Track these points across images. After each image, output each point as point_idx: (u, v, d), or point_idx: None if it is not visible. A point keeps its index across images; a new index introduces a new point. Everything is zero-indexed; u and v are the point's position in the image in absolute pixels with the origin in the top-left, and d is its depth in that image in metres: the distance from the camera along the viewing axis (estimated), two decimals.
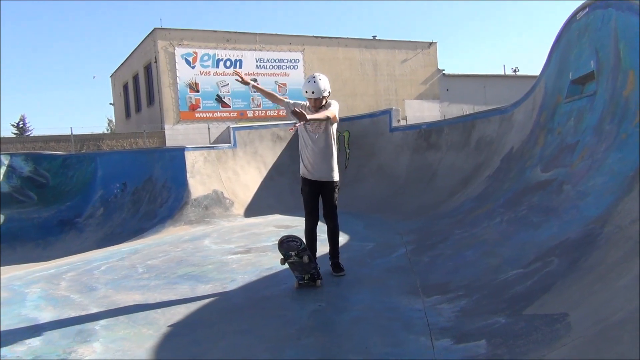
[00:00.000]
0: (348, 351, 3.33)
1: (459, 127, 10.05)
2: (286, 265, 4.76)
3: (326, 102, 5.05)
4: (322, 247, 5.35)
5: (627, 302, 2.61)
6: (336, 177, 5.13)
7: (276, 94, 5.31)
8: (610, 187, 3.95)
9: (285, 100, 5.19)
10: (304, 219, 5.22)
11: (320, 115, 4.82)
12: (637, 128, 3.98)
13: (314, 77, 4.98)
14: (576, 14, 6.00)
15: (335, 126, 5.14)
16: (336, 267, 5.22)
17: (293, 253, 4.57)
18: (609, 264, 3.12)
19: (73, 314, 4.52)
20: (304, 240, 4.78)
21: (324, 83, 4.95)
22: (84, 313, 4.53)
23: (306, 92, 4.96)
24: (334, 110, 4.95)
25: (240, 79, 5.20)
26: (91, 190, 12.78)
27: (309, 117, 4.57)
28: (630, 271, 2.85)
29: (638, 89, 4.15)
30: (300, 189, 5.19)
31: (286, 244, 4.59)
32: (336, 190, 5.13)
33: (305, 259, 4.57)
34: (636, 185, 3.55)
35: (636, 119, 4.04)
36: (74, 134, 23.76)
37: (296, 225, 8.65)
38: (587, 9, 5.68)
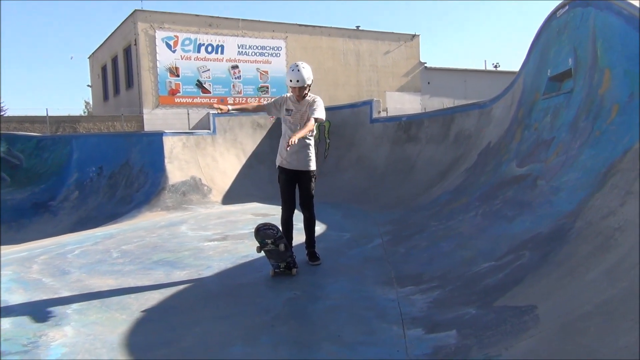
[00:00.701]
0: (321, 339, 3.35)
1: (439, 121, 10.13)
2: (262, 253, 4.76)
3: (309, 90, 5.04)
4: (299, 236, 5.36)
5: (594, 295, 2.68)
6: (313, 166, 5.15)
7: (254, 105, 5.34)
8: (582, 183, 4.03)
9: (264, 103, 5.23)
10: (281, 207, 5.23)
11: (305, 130, 4.82)
12: (610, 126, 4.06)
13: (297, 65, 4.95)
14: (556, 11, 6.07)
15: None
16: (312, 256, 5.25)
17: (269, 241, 4.57)
18: (579, 259, 3.19)
19: (44, 298, 4.46)
20: (280, 228, 4.79)
21: (307, 72, 4.94)
22: (55, 297, 4.47)
23: (290, 81, 4.94)
24: (319, 113, 4.99)
25: (220, 110, 4.98)
26: (66, 173, 12.60)
27: (295, 138, 4.54)
28: (599, 265, 2.93)
29: (613, 87, 4.22)
30: (277, 178, 5.19)
31: (262, 232, 4.59)
32: (313, 179, 5.15)
33: (282, 247, 4.58)
34: (607, 182, 3.63)
35: (610, 117, 4.12)
36: (49, 115, 23.28)
37: (274, 214, 8.64)
38: (567, 7, 5.75)
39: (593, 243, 3.22)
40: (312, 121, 4.91)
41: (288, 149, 4.62)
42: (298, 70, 4.90)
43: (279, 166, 5.16)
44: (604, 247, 3.06)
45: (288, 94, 5.15)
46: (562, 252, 3.45)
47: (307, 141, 5.07)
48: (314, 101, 5.05)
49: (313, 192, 5.16)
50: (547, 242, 3.77)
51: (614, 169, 3.65)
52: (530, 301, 3.06)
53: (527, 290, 3.26)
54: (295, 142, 4.58)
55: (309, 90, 5.06)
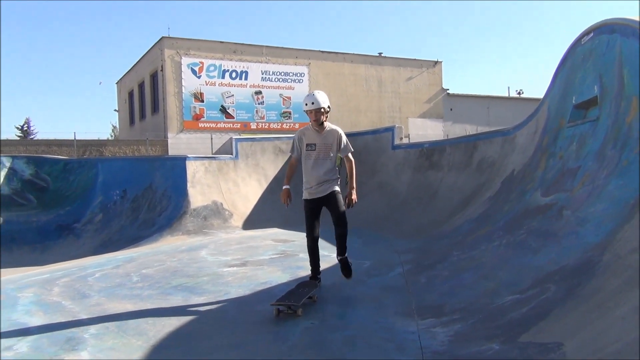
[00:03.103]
0: None
1: (461, 147, 10.03)
2: (285, 279, 4.69)
3: (327, 117, 5.12)
4: (326, 262, 5.30)
5: (625, 333, 2.56)
6: (336, 188, 5.19)
7: (293, 167, 5.26)
8: (610, 214, 3.91)
9: (292, 158, 5.29)
10: (302, 233, 5.22)
11: (355, 178, 5.33)
12: (639, 155, 3.95)
13: (313, 92, 5.13)
14: (581, 38, 6.00)
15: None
16: (345, 266, 5.16)
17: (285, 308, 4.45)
18: (607, 293, 3.07)
19: (63, 321, 4.47)
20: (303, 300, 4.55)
21: (323, 96, 5.07)
22: (74, 320, 4.48)
23: (306, 104, 5.05)
24: (351, 148, 5.29)
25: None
26: (91, 195, 12.79)
27: (354, 197, 5.16)
28: (629, 301, 2.80)
29: None
30: (303, 207, 5.19)
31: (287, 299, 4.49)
32: (339, 196, 5.15)
33: (299, 312, 4.40)
34: (636, 213, 3.51)
35: (638, 146, 4.01)
36: (77, 138, 23.81)
37: (294, 240, 8.61)
38: (592, 34, 5.69)
39: (622, 277, 3.10)
40: (353, 159, 5.28)
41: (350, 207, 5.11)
42: (313, 95, 5.05)
43: (304, 200, 5.19)
44: (634, 282, 2.94)
45: (306, 127, 5.25)
46: (589, 286, 3.33)
47: (335, 174, 5.22)
48: (340, 136, 5.17)
49: (343, 207, 5.14)
50: (574, 275, 3.64)
51: None
52: (557, 337, 2.94)
53: (553, 326, 3.14)
54: (356, 200, 5.17)
55: (327, 118, 5.11)
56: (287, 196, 5.07)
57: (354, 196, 5.13)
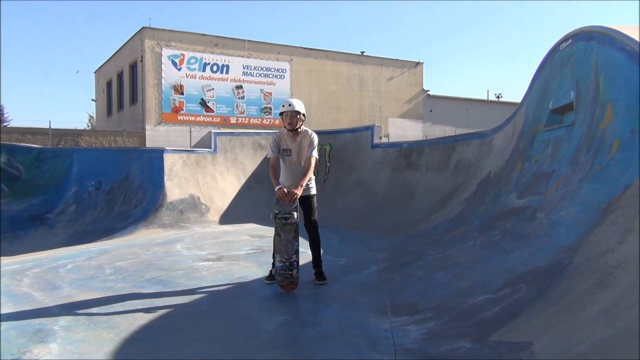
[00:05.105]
0: None
1: (440, 148, 10.13)
2: (261, 275, 4.71)
3: (301, 124, 5.23)
4: (302, 259, 5.29)
5: (591, 334, 2.62)
6: (314, 191, 5.35)
7: (274, 168, 5.23)
8: (581, 218, 3.99)
9: (270, 159, 5.26)
10: None
11: (308, 177, 5.13)
12: (611, 161, 4.04)
13: (290, 99, 5.32)
14: (560, 44, 6.10)
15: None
16: (319, 276, 5.32)
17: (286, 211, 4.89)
18: (576, 295, 3.13)
19: (33, 312, 4.38)
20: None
21: (300, 103, 5.20)
22: (44, 312, 4.40)
23: (282, 106, 5.16)
24: (315, 153, 5.22)
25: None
26: (65, 186, 12.57)
27: (297, 191, 4.94)
28: (596, 303, 2.87)
29: (614, 122, 4.21)
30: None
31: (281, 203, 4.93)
32: (313, 199, 5.30)
33: (295, 215, 4.90)
34: (606, 217, 3.59)
35: (611, 152, 4.10)
36: (52, 127, 23.34)
37: (271, 236, 8.56)
38: (570, 40, 5.79)
39: (591, 280, 3.16)
40: (313, 162, 5.19)
41: (292, 202, 4.92)
42: (291, 100, 5.21)
43: None
44: (602, 285, 3.01)
45: (280, 132, 5.32)
46: (560, 288, 3.39)
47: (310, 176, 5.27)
48: (312, 138, 5.23)
49: (316, 212, 5.32)
50: (545, 277, 3.71)
51: (614, 205, 3.61)
52: (526, 337, 3.00)
53: (523, 326, 3.20)
54: (299, 195, 4.97)
55: (301, 125, 5.23)
56: (286, 194, 4.95)
57: (297, 191, 4.96)
